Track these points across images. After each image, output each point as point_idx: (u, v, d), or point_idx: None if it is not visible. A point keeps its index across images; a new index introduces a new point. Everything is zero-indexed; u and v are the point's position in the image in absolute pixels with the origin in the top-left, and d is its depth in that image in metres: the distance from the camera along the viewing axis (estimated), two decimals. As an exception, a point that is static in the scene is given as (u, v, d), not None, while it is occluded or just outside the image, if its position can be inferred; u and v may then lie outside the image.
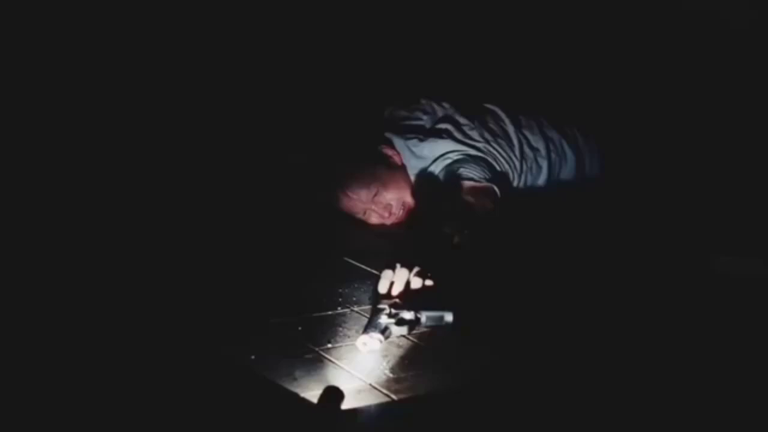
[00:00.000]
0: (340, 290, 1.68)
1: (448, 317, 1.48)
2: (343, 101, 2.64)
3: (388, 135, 2.24)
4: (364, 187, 2.13)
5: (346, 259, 1.87)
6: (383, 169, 2.17)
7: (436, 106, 2.31)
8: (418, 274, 1.56)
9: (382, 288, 1.54)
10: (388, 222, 2.15)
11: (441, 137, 2.18)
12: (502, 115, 2.27)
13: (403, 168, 2.19)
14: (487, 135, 2.21)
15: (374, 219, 2.15)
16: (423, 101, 2.34)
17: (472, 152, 2.15)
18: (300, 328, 1.50)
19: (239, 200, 2.31)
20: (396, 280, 1.54)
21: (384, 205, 2.13)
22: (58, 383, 1.31)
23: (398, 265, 1.56)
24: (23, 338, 1.46)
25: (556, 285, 1.74)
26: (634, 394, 1.28)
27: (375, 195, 2.12)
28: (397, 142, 2.21)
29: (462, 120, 2.24)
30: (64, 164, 2.35)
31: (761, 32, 2.41)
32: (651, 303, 1.66)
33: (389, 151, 2.21)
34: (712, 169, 2.26)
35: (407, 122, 2.29)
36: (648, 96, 2.50)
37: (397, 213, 2.15)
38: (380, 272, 1.59)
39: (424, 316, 1.48)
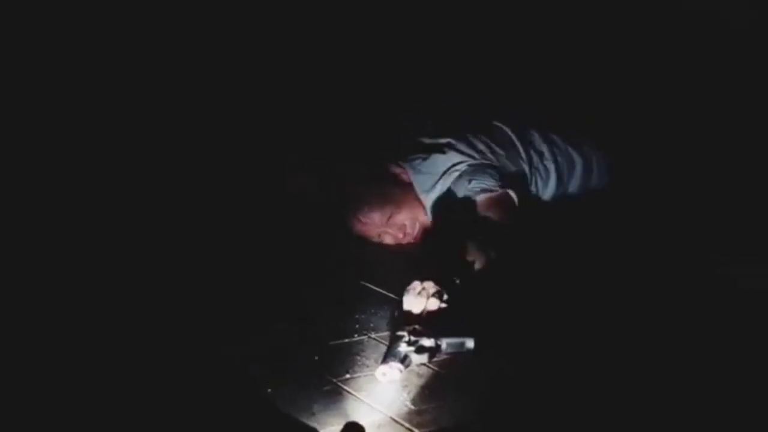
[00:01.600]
0: (357, 316, 1.64)
1: (469, 343, 1.44)
2: (348, 111, 2.61)
3: (400, 163, 2.21)
4: (377, 211, 2.09)
5: (362, 282, 1.83)
6: (394, 189, 2.13)
7: (431, 121, 2.29)
8: (435, 295, 1.52)
9: (408, 303, 1.50)
10: (404, 242, 2.11)
11: (443, 151, 2.14)
12: (501, 124, 2.23)
13: (411, 186, 2.15)
14: (489, 141, 2.17)
15: (389, 240, 2.11)
16: (415, 116, 2.32)
17: (477, 161, 2.10)
18: (317, 358, 1.46)
19: (252, 223, 2.27)
20: (423, 293, 1.51)
21: (399, 226, 2.09)
22: (60, 383, 1.31)
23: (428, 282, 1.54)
24: (24, 338, 1.46)
25: (577, 303, 1.70)
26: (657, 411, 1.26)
27: (389, 218, 2.08)
28: (406, 163, 2.18)
29: (463, 130, 2.20)
30: (64, 165, 2.34)
31: (761, 32, 2.39)
32: (669, 316, 1.64)
33: (397, 169, 2.17)
34: (713, 170, 2.22)
35: (406, 141, 2.26)
36: (647, 96, 2.47)
37: (412, 232, 2.10)
38: (398, 296, 1.55)
39: (444, 343, 1.43)
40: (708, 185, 2.19)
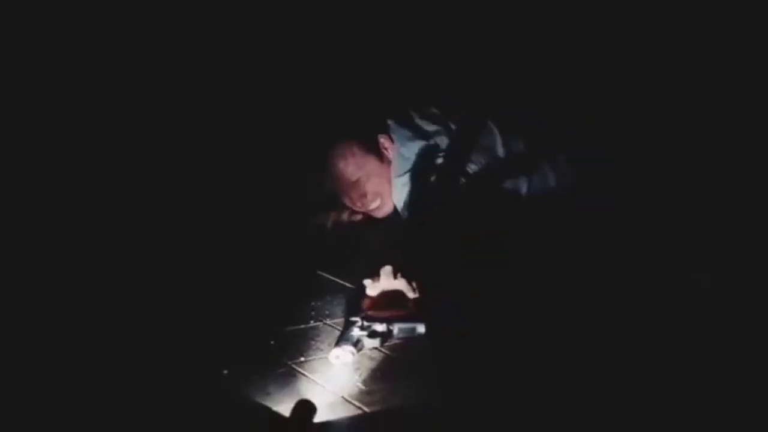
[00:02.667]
0: (313, 303, 1.69)
1: (420, 329, 1.50)
2: (343, 102, 2.62)
3: (389, 122, 2.25)
4: (350, 167, 2.18)
5: (318, 272, 1.88)
6: (374, 159, 2.20)
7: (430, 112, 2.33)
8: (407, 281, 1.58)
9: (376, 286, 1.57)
10: (357, 208, 2.19)
11: (427, 140, 2.19)
12: (492, 125, 2.28)
13: (390, 164, 2.21)
14: (472, 140, 2.22)
15: (347, 201, 2.19)
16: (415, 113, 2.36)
17: (451, 161, 2.16)
18: (273, 342, 1.51)
19: (214, 213, 2.30)
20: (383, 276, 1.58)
21: (360, 193, 2.16)
22: (44, 385, 1.34)
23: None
24: (22, 338, 1.49)
25: (536, 295, 1.70)
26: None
27: (357, 180, 2.17)
28: (395, 128, 2.22)
29: (453, 125, 2.25)
30: (64, 166, 2.33)
31: (761, 32, 2.39)
32: (656, 314, 1.61)
33: (386, 143, 2.23)
34: (713, 170, 2.25)
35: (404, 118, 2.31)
36: (647, 96, 2.47)
37: (369, 206, 2.17)
38: (353, 285, 1.60)
39: (396, 328, 1.49)
40: (707, 185, 2.18)
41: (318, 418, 1.23)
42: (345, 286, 1.77)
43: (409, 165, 2.15)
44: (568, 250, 1.87)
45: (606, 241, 1.91)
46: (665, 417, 1.22)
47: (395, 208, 2.20)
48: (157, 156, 2.46)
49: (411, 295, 1.57)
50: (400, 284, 1.58)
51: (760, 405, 1.25)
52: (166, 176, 2.42)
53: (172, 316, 1.64)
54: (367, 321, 1.48)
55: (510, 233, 1.93)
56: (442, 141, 2.18)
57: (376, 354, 1.46)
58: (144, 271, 1.88)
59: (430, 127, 2.22)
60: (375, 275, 1.59)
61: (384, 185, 2.19)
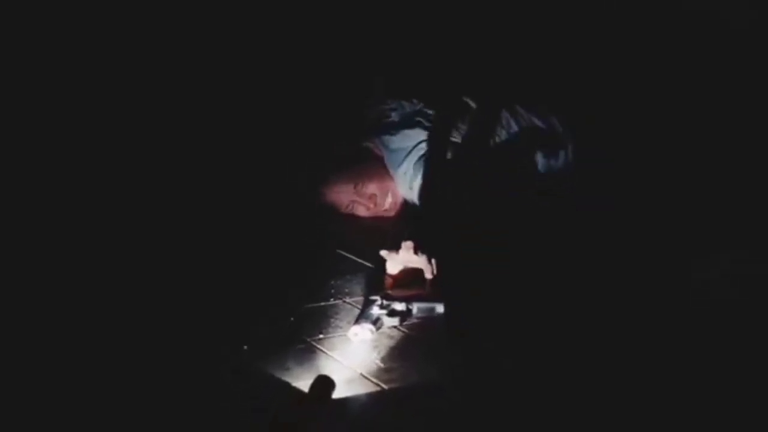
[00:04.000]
0: (333, 282, 1.70)
1: (439, 308, 1.51)
2: (327, 98, 2.64)
3: (366, 128, 2.27)
4: (345, 180, 2.16)
5: (338, 251, 1.89)
6: (364, 161, 2.20)
7: (404, 102, 2.33)
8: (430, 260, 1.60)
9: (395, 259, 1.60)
10: (376, 212, 2.17)
11: (411, 128, 2.20)
12: (473, 105, 2.28)
13: (383, 159, 2.22)
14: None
15: (361, 210, 2.18)
16: (389, 100, 2.36)
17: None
18: (292, 320, 1.52)
19: (233, 194, 2.32)
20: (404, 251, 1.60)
21: (368, 195, 2.16)
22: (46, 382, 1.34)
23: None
24: (22, 337, 1.49)
25: (545, 283, 1.72)
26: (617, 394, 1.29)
27: (358, 186, 2.15)
28: (374, 131, 2.24)
29: (430, 111, 2.26)
30: (63, 164, 2.36)
31: (761, 32, 2.39)
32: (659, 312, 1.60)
33: (369, 144, 2.23)
34: (711, 171, 2.25)
35: (379, 120, 2.32)
36: (647, 96, 2.48)
37: (383, 203, 2.17)
38: (373, 264, 1.61)
39: (415, 307, 1.50)
40: (707, 185, 2.18)
41: (336, 394, 1.25)
42: (365, 265, 1.79)
43: (403, 153, 2.16)
44: (568, 250, 1.87)
45: (606, 240, 1.90)
46: (665, 417, 1.22)
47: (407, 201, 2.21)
48: (179, 142, 2.49)
49: (429, 274, 1.58)
50: (420, 261, 1.59)
51: (760, 405, 1.24)
52: (187, 162, 2.44)
53: (192, 295, 1.66)
54: (387, 300, 1.50)
55: (510, 232, 1.93)
56: (424, 125, 2.18)
57: (394, 332, 1.47)
58: (169, 252, 1.90)
59: (404, 112, 2.22)
60: (394, 248, 1.60)
61: (385, 178, 2.19)
